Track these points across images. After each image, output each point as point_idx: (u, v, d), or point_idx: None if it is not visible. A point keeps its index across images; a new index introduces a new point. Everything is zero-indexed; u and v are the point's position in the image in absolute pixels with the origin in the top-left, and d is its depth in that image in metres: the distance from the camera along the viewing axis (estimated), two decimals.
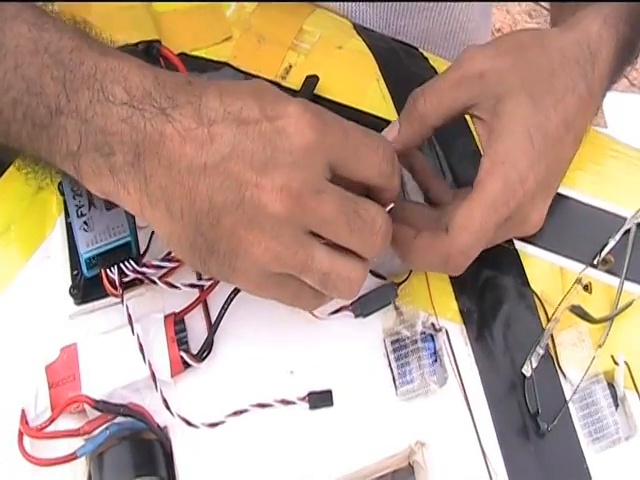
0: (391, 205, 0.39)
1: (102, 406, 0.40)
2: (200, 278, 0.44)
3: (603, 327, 0.45)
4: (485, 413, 0.43)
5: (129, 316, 0.42)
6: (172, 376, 0.42)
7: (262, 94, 0.36)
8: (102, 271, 0.42)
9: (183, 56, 0.51)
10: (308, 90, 0.50)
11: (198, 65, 0.51)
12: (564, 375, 0.44)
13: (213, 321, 0.43)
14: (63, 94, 0.36)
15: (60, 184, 0.44)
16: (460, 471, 0.42)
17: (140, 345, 0.41)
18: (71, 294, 0.43)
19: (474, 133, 0.49)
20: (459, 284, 0.46)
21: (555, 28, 0.45)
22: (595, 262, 0.47)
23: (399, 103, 0.52)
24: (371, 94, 0.52)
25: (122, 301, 0.42)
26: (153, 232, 0.44)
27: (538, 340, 0.44)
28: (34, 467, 0.40)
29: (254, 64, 0.52)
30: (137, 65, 0.37)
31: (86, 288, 0.43)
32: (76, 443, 0.40)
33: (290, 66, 0.53)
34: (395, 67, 0.54)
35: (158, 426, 0.41)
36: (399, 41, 0.57)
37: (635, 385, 0.45)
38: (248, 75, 0.52)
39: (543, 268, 0.47)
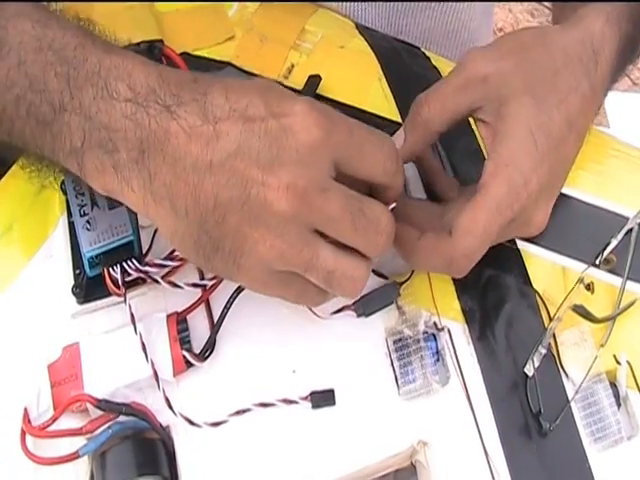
0: (394, 204, 0.39)
1: (104, 405, 0.40)
2: (203, 277, 0.45)
3: (605, 327, 0.45)
4: (487, 412, 0.43)
5: (132, 315, 0.42)
6: (174, 375, 0.42)
7: (268, 92, 0.36)
8: (105, 270, 0.42)
9: (185, 56, 0.51)
10: (310, 90, 0.50)
11: (200, 65, 0.51)
12: (566, 375, 0.44)
13: (215, 320, 0.43)
14: (67, 91, 0.36)
15: (63, 183, 0.44)
16: (462, 470, 0.42)
17: (142, 344, 0.41)
18: (74, 293, 0.43)
19: (476, 133, 0.49)
20: (461, 283, 0.46)
21: (557, 26, 0.45)
22: (597, 262, 0.47)
23: (401, 103, 0.52)
24: (373, 94, 0.52)
25: (125, 300, 0.42)
26: (156, 231, 0.44)
27: (540, 339, 0.44)
28: (36, 466, 0.40)
29: (256, 64, 0.52)
30: (141, 62, 0.37)
31: (88, 287, 0.43)
32: (78, 442, 0.40)
33: (292, 66, 0.53)
34: (397, 67, 0.54)
35: (160, 425, 0.41)
36: (401, 41, 0.57)
37: (637, 384, 0.45)
38: (251, 75, 0.52)
39: (545, 267, 0.47)
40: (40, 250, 0.46)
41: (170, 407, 0.41)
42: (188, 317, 0.44)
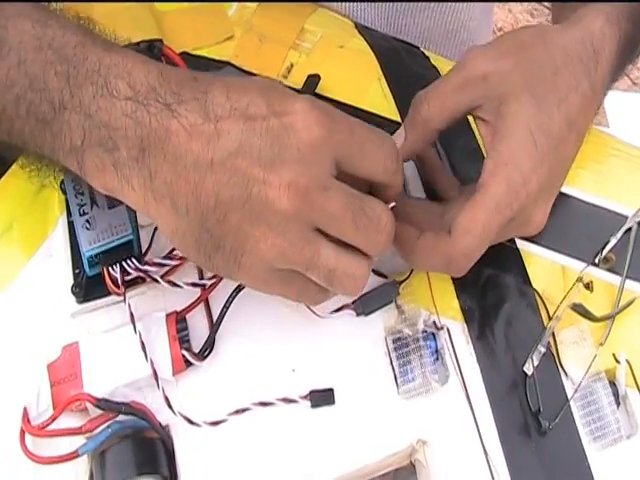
0: (393, 203, 0.39)
1: (104, 404, 0.40)
2: (202, 277, 0.45)
3: (604, 325, 0.45)
4: (487, 411, 0.43)
5: (131, 314, 0.42)
6: (174, 374, 0.42)
7: (269, 90, 0.36)
8: (104, 269, 0.42)
9: (185, 55, 0.51)
10: (309, 89, 0.50)
11: (200, 64, 0.51)
12: (565, 373, 0.44)
13: (215, 319, 0.43)
14: (67, 89, 0.36)
15: (62, 182, 0.44)
16: (462, 469, 0.42)
17: (142, 343, 0.41)
18: (73, 292, 0.44)
19: (475, 132, 0.49)
20: (461, 282, 0.46)
21: (557, 25, 0.45)
22: (596, 260, 0.47)
23: (400, 102, 0.52)
24: (372, 93, 0.52)
25: (124, 299, 0.42)
26: (155, 230, 0.44)
27: (539, 338, 0.44)
28: (36, 465, 0.40)
29: (256, 63, 0.52)
30: (141, 61, 0.37)
31: (88, 286, 0.43)
32: (78, 441, 0.40)
33: (292, 65, 0.53)
34: (396, 66, 0.54)
35: (160, 424, 0.41)
36: (400, 40, 0.57)
37: (637, 383, 0.45)
38: (250, 74, 0.52)
39: (544, 266, 0.47)
40: (40, 249, 0.46)
41: (169, 406, 0.41)
42: (187, 316, 0.44)
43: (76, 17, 0.40)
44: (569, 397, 0.44)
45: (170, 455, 0.41)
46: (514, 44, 0.43)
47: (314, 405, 0.43)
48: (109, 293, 0.43)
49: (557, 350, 0.45)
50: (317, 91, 0.51)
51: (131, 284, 0.43)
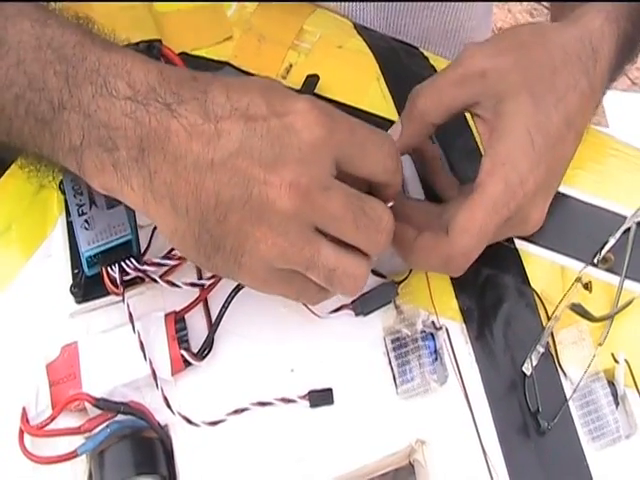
0: (391, 202, 0.39)
1: (103, 404, 0.40)
2: (201, 277, 0.45)
3: (603, 325, 0.45)
4: (485, 411, 0.43)
5: (130, 314, 0.42)
6: (173, 374, 0.42)
7: (269, 91, 0.36)
8: (103, 269, 0.42)
9: (184, 56, 0.51)
10: (308, 90, 0.50)
11: (199, 65, 0.51)
12: (564, 373, 0.44)
13: (214, 320, 0.43)
14: (66, 89, 0.36)
15: (61, 183, 0.44)
16: (460, 469, 0.42)
17: (141, 343, 0.41)
18: (72, 292, 0.43)
19: (474, 131, 0.49)
20: (459, 283, 0.46)
21: (556, 23, 0.45)
22: (595, 261, 0.47)
23: (399, 102, 0.52)
24: (371, 93, 0.52)
25: (123, 299, 0.42)
26: (154, 230, 0.44)
27: (538, 338, 0.44)
28: (35, 465, 0.40)
29: (255, 64, 0.52)
30: (141, 60, 0.37)
31: (87, 287, 0.43)
32: (77, 441, 0.40)
33: (290, 66, 0.53)
34: (395, 66, 0.54)
35: (159, 424, 0.41)
36: (399, 41, 0.57)
37: (635, 383, 0.45)
38: (249, 75, 0.52)
39: (543, 266, 0.47)
40: (39, 250, 0.46)
41: (168, 406, 0.41)
42: (186, 316, 0.44)
43: (75, 17, 0.40)
44: (568, 397, 0.44)
45: (169, 455, 0.41)
46: (513, 42, 0.43)
47: (313, 405, 0.43)
48: (108, 293, 0.43)
49: (556, 350, 0.45)
50: (316, 91, 0.51)
51: (130, 284, 0.43)
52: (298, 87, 0.51)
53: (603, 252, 0.47)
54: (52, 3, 0.40)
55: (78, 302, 0.44)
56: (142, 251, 0.44)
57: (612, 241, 0.47)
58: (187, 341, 0.43)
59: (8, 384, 0.42)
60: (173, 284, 0.43)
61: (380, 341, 0.45)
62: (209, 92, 0.36)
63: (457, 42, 0.71)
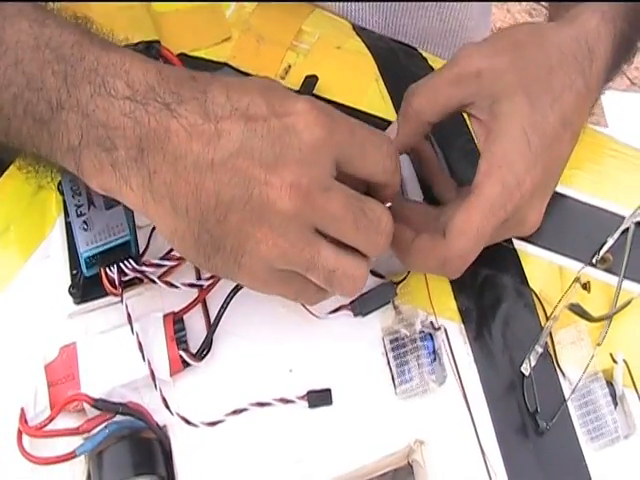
0: (390, 203, 0.39)
1: (101, 405, 0.40)
2: (199, 278, 0.45)
3: (602, 325, 0.45)
4: (484, 412, 0.43)
5: (128, 315, 0.42)
6: (171, 375, 0.42)
7: (269, 91, 0.36)
8: (101, 270, 0.42)
9: (182, 56, 0.51)
10: (307, 90, 0.51)
11: (197, 65, 0.51)
12: (563, 373, 0.44)
13: (212, 320, 0.43)
14: (64, 89, 0.36)
15: (60, 183, 0.44)
16: (459, 470, 0.42)
17: (139, 344, 0.41)
18: (70, 293, 0.43)
19: (472, 132, 0.49)
20: (458, 283, 0.46)
21: (552, 23, 0.45)
22: (594, 261, 0.47)
23: (398, 103, 0.51)
24: (370, 94, 0.52)
25: (121, 300, 0.42)
26: (152, 231, 0.44)
27: (537, 339, 0.44)
28: (33, 466, 0.40)
29: (253, 64, 0.52)
30: (139, 60, 0.37)
31: (85, 287, 0.43)
32: (75, 442, 0.40)
33: (289, 66, 0.53)
34: (394, 67, 0.54)
35: (157, 425, 0.41)
36: (398, 41, 0.57)
37: (634, 383, 0.45)
38: (247, 75, 0.52)
39: (542, 267, 0.47)
40: (37, 250, 0.46)
41: (167, 407, 0.41)
42: (185, 317, 0.44)
43: (74, 17, 0.40)
44: (566, 397, 0.44)
45: (167, 455, 0.41)
46: (509, 42, 0.43)
47: (312, 405, 0.43)
48: (106, 294, 0.43)
49: (554, 350, 0.45)
50: (315, 92, 0.51)
51: (128, 285, 0.43)
52: (297, 88, 0.51)
53: (602, 252, 0.47)
54: (50, 3, 0.40)
55: (77, 303, 0.44)
56: (141, 252, 0.44)
57: (610, 241, 0.47)
58: (186, 342, 0.43)
59: (7, 385, 0.42)
60: (172, 285, 0.43)
61: (379, 341, 0.45)
62: (209, 92, 0.36)
63: (456, 42, 0.71)
